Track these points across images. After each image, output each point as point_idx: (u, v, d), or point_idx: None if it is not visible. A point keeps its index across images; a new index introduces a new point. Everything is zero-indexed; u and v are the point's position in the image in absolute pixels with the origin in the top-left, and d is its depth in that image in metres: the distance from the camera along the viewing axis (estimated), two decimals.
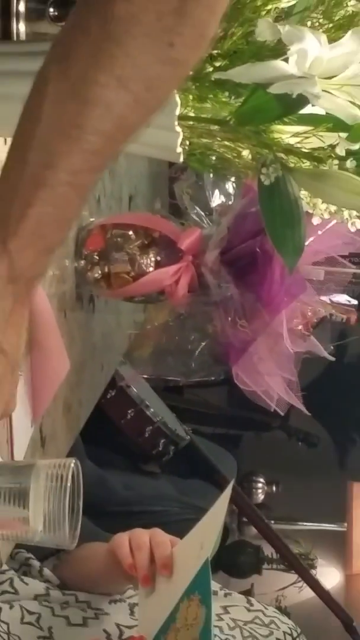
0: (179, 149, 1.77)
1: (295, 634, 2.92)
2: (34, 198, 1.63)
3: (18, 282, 1.69)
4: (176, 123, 1.75)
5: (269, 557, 5.01)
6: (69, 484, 1.94)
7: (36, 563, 2.82)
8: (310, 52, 1.72)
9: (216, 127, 1.80)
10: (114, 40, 1.59)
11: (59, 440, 2.61)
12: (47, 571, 2.82)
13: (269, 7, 1.78)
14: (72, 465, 1.96)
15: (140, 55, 1.60)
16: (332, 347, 3.28)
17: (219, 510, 2.54)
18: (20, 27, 1.90)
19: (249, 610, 2.95)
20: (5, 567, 2.70)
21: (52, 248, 1.77)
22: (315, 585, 4.67)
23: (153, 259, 2.74)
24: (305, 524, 6.32)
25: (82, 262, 2.69)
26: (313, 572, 5.04)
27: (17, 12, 1.89)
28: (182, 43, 1.61)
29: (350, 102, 1.75)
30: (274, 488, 6.05)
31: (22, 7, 1.89)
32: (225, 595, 2.96)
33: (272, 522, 5.12)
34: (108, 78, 1.57)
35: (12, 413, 2.12)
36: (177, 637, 2.39)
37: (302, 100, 1.75)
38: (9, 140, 2.25)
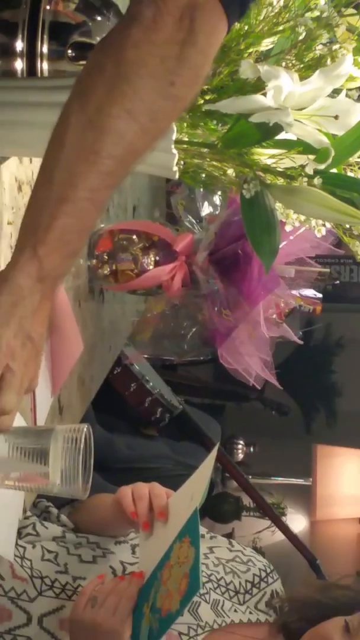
0: (175, 168, 1.78)
1: (268, 570, 2.90)
2: (59, 212, 1.66)
3: (45, 281, 1.70)
4: (173, 146, 1.75)
5: (247, 506, 5.03)
6: (82, 445, 1.93)
7: (54, 510, 2.82)
8: (284, 88, 1.71)
9: (206, 149, 1.80)
10: (125, 79, 1.64)
11: (74, 409, 2.61)
12: (63, 517, 2.83)
13: (250, 50, 1.78)
14: (85, 429, 1.96)
15: (147, 92, 1.64)
16: (300, 333, 3.28)
17: (206, 467, 2.53)
18: (44, 66, 1.91)
19: (230, 550, 2.93)
20: (29, 513, 2.72)
21: (74, 253, 1.79)
22: (285, 529, 4.69)
23: (153, 258, 2.75)
24: (277, 478, 6.35)
25: (94, 260, 2.69)
26: (283, 518, 5.06)
27: (41, 53, 1.89)
28: (182, 82, 1.65)
29: (318, 129, 1.73)
30: (252, 449, 6.08)
31: (45, 49, 1.89)
32: (211, 538, 2.95)
33: (250, 477, 5.16)
34: (120, 111, 1.62)
35: (35, 388, 2.11)
36: (171, 573, 2.36)
37: (278, 128, 1.74)
38: (35, 159, 2.26)
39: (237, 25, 1.80)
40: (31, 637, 2.60)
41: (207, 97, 1.78)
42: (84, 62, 1.96)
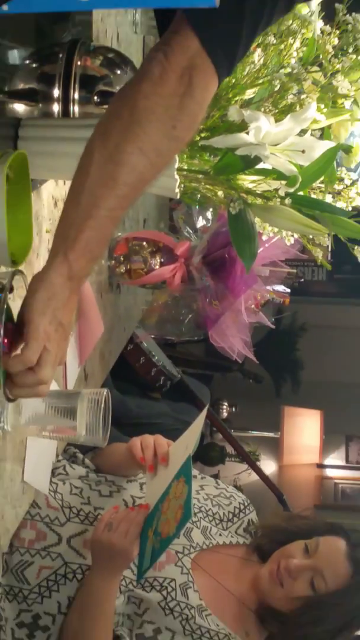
0: (177, 190, 1.76)
1: (246, 504, 2.93)
2: (84, 226, 1.69)
3: (73, 280, 1.73)
4: (175, 173, 1.74)
5: (229, 453, 5.02)
6: (102, 405, 1.97)
7: (80, 455, 2.84)
8: (263, 128, 1.71)
9: (201, 176, 1.79)
10: (137, 123, 1.67)
11: (96, 377, 2.61)
12: (87, 461, 2.84)
13: (236, 98, 1.77)
14: (105, 393, 2.00)
15: (154, 134, 1.68)
16: (272, 319, 3.28)
17: (198, 423, 2.55)
18: (75, 109, 1.90)
19: (216, 488, 2.95)
20: (60, 457, 2.73)
21: (97, 257, 1.80)
22: (259, 471, 4.69)
23: (158, 260, 2.74)
24: (253, 432, 6.35)
25: (113, 261, 2.69)
26: (258, 463, 5.06)
27: (73, 98, 1.89)
28: (182, 126, 1.68)
29: (289, 161, 1.74)
30: (233, 409, 6.06)
31: (76, 95, 1.89)
32: (202, 478, 2.97)
33: (232, 430, 5.15)
34: (133, 148, 1.66)
35: (64, 362, 2.13)
36: (169, 505, 2.39)
37: (257, 160, 1.74)
38: (67, 182, 2.27)
39: (227, 79, 1.81)
40: (61, 553, 2.62)
41: (202, 135, 1.77)
42: (106, 106, 1.98)
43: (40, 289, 1.71)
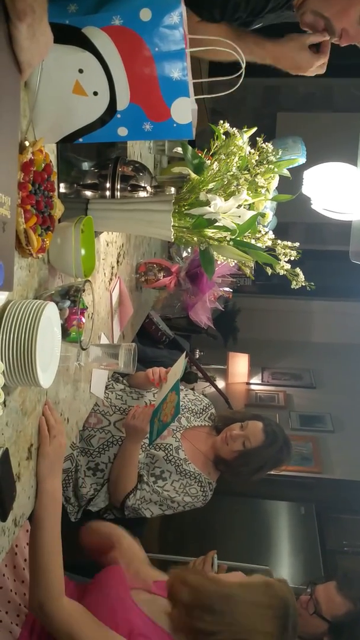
0: (172, 237, 1.74)
1: (209, 404, 2.92)
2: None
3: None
4: (171, 228, 1.72)
5: (200, 376, 4.97)
6: (132, 351, 1.94)
7: (121, 378, 2.83)
8: (217, 204, 1.69)
9: (185, 229, 1.75)
10: None
11: (128, 336, 2.59)
12: (124, 381, 2.83)
13: (204, 188, 1.74)
14: (134, 345, 1.97)
15: None
16: (222, 306, 3.28)
17: (182, 361, 2.53)
18: (118, 194, 1.87)
19: (193, 395, 2.94)
20: (110, 379, 2.70)
21: None
22: (215, 387, 4.66)
23: (162, 274, 2.73)
24: (212, 365, 6.30)
25: (137, 275, 2.67)
26: (215, 382, 5.01)
27: (117, 188, 1.87)
28: None
29: (232, 222, 1.72)
30: (202, 353, 6.00)
31: (118, 186, 1.88)
32: (185, 390, 2.96)
33: (201, 364, 5.12)
34: None
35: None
36: (167, 406, 2.39)
37: (214, 221, 1.71)
38: (114, 233, 2.26)
39: (199, 178, 1.78)
40: (110, 430, 2.61)
41: (186, 207, 1.72)
42: (135, 193, 1.96)
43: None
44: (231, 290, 3.12)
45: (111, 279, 2.27)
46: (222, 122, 1.83)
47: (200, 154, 1.83)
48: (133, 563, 2.07)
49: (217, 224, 1.72)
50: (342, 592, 2.37)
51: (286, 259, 1.75)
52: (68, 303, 1.51)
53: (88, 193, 1.84)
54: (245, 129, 1.83)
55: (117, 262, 2.36)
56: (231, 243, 1.74)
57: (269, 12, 1.74)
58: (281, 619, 1.76)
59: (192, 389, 3.61)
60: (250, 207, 1.81)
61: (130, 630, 1.72)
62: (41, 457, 1.65)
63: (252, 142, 1.83)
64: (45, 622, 1.68)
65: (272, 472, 2.73)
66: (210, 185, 1.75)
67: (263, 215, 1.87)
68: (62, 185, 1.69)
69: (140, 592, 1.93)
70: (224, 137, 1.81)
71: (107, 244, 2.21)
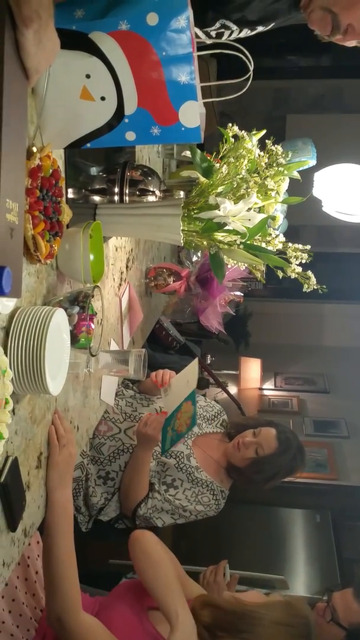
0: (182, 241, 1.75)
1: (222, 410, 2.92)
2: None
3: None
4: (180, 232, 1.72)
5: (211, 382, 4.94)
6: (142, 357, 1.95)
7: (131, 384, 2.82)
8: (227, 208, 1.70)
9: (194, 233, 1.76)
10: None
11: (138, 342, 2.60)
12: (135, 388, 2.82)
13: (213, 192, 1.75)
14: (144, 351, 1.98)
15: None
16: (234, 310, 3.28)
17: (193, 367, 2.51)
18: (126, 199, 1.88)
19: (205, 401, 2.94)
20: (120, 386, 2.70)
21: None
22: (227, 392, 4.65)
23: (172, 279, 2.73)
24: (224, 371, 6.27)
25: (147, 280, 2.68)
26: (227, 388, 4.99)
27: (125, 192, 1.87)
28: None
29: (242, 225, 1.72)
30: (213, 358, 5.96)
31: (127, 191, 1.89)
32: (198, 396, 2.96)
33: (212, 370, 5.09)
34: None
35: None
36: (182, 415, 2.38)
37: (224, 224, 1.72)
38: (123, 238, 2.27)
39: (208, 181, 1.79)
40: (121, 438, 2.61)
41: (195, 211, 1.73)
42: (144, 197, 1.97)
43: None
44: (242, 294, 3.11)
45: (120, 284, 2.28)
46: (230, 125, 1.83)
47: (209, 157, 1.84)
48: None
49: (227, 227, 1.73)
50: (359, 599, 2.35)
51: (297, 262, 1.76)
52: (77, 309, 1.52)
53: (96, 198, 1.85)
54: (254, 132, 1.84)
55: (127, 267, 2.36)
56: (241, 246, 1.74)
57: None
58: (303, 638, 1.79)
59: (204, 395, 3.61)
60: (261, 210, 1.82)
61: None
62: (51, 467, 1.65)
63: (262, 144, 1.83)
64: (63, 636, 1.68)
65: (286, 480, 2.73)
66: (220, 189, 1.76)
67: (273, 218, 1.88)
68: (70, 190, 1.70)
69: (157, 611, 1.94)
70: (232, 140, 1.82)
71: (116, 249, 2.21)
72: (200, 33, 1.81)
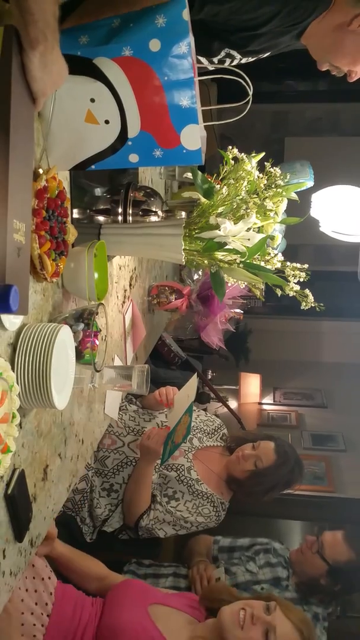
0: (183, 260, 1.75)
1: (222, 424, 2.92)
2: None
3: None
4: (182, 251, 1.72)
5: (212, 397, 4.92)
6: (145, 373, 1.94)
7: (134, 399, 2.82)
8: (227, 228, 1.70)
9: (196, 252, 1.76)
10: None
11: (141, 358, 2.58)
12: (138, 402, 2.82)
13: (214, 212, 1.74)
14: (146, 366, 1.97)
15: None
16: (234, 327, 3.27)
17: (193, 382, 2.52)
18: (129, 219, 1.87)
19: (205, 415, 2.95)
20: (123, 401, 2.69)
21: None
22: (227, 407, 4.62)
23: (174, 296, 2.72)
24: (224, 386, 6.24)
25: (150, 297, 2.67)
26: (228, 402, 4.97)
27: (128, 213, 1.87)
28: None
29: (241, 244, 1.72)
30: (214, 374, 5.90)
31: (130, 211, 1.88)
32: (198, 410, 2.96)
33: (213, 385, 5.07)
34: None
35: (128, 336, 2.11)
36: (180, 427, 2.38)
37: (224, 244, 1.71)
38: (127, 257, 2.27)
39: (208, 202, 1.79)
40: (124, 451, 2.61)
41: (196, 230, 1.73)
42: (147, 217, 1.97)
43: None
44: (242, 311, 3.12)
45: (124, 302, 2.28)
46: (230, 147, 1.84)
47: (209, 179, 1.84)
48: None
49: (227, 247, 1.73)
50: (348, 541, 2.53)
51: (295, 281, 1.75)
52: (82, 326, 1.52)
53: (101, 218, 1.85)
54: (253, 154, 1.84)
55: (130, 285, 2.37)
56: (241, 265, 1.74)
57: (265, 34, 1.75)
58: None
59: (205, 410, 3.60)
60: (260, 230, 1.81)
61: None
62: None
63: (261, 166, 1.84)
64: None
65: (285, 492, 2.72)
66: (220, 209, 1.76)
67: (272, 237, 1.88)
68: (75, 210, 1.70)
69: (157, 606, 1.94)
70: (232, 162, 1.82)
71: (120, 268, 2.22)
72: (204, 60, 1.82)
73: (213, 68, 1.83)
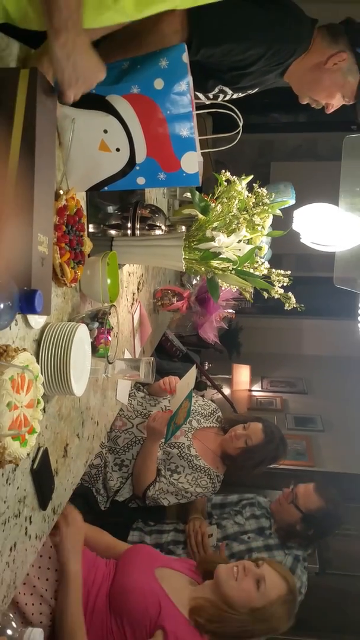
0: (183, 267, 1.74)
1: (217, 408, 2.90)
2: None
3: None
4: (182, 260, 1.72)
5: (208, 385, 4.89)
6: (151, 364, 1.93)
7: (142, 387, 2.80)
8: (221, 240, 1.69)
9: (194, 261, 1.76)
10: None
11: (147, 352, 2.56)
12: (145, 390, 2.80)
13: (209, 226, 1.74)
14: (152, 358, 1.95)
15: None
16: (227, 325, 3.26)
17: (193, 372, 2.50)
18: (137, 232, 1.86)
19: (203, 401, 2.93)
20: (132, 388, 2.68)
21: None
22: (222, 393, 4.59)
23: (175, 299, 2.70)
24: (219, 375, 6.19)
25: (155, 300, 2.66)
26: (222, 389, 4.94)
27: (136, 227, 1.85)
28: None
29: (233, 254, 1.72)
30: (210, 365, 5.89)
31: (137, 226, 1.86)
32: (196, 396, 2.95)
33: (210, 374, 5.03)
34: None
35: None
36: (180, 411, 2.37)
37: (219, 254, 1.71)
38: (135, 265, 2.27)
39: (205, 218, 1.79)
40: (133, 431, 2.61)
41: (194, 242, 1.73)
42: (152, 231, 1.96)
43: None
44: (234, 311, 3.11)
45: (133, 304, 2.28)
46: (224, 171, 1.84)
47: (206, 198, 1.84)
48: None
49: (221, 256, 1.73)
50: (318, 492, 2.57)
51: (280, 285, 1.74)
52: (96, 324, 1.52)
53: (112, 232, 1.85)
54: (243, 177, 1.84)
55: (138, 289, 2.36)
56: (233, 272, 1.74)
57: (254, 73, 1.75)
58: (292, 607, 1.89)
59: (202, 396, 3.59)
60: (249, 241, 1.81)
61: (158, 613, 1.75)
62: (62, 542, 1.75)
63: (250, 187, 1.83)
64: None
65: (271, 466, 2.72)
66: (215, 224, 1.76)
67: (260, 248, 1.87)
68: (90, 225, 1.70)
69: (162, 569, 1.94)
70: (225, 183, 1.82)
71: (129, 274, 2.21)
72: (200, 95, 1.81)
73: (209, 102, 1.83)
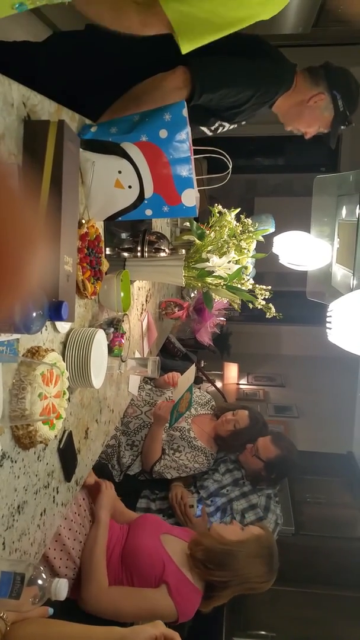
0: (183, 283, 1.74)
1: (211, 398, 2.89)
2: None
3: None
4: (182, 277, 1.72)
5: (204, 379, 4.88)
6: (157, 363, 1.92)
7: (149, 381, 2.78)
8: (214, 261, 1.69)
9: (192, 278, 1.75)
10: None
11: (153, 352, 2.55)
12: (152, 383, 2.77)
13: (204, 249, 1.74)
14: (157, 358, 1.94)
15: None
16: (219, 330, 3.25)
17: (192, 369, 2.50)
18: (145, 254, 1.85)
19: (199, 392, 2.91)
20: (142, 383, 2.67)
21: None
22: (215, 386, 4.58)
23: (177, 309, 2.69)
24: (212, 371, 6.17)
25: (160, 309, 2.65)
26: (215, 383, 4.93)
27: (145, 250, 1.85)
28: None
29: (225, 272, 1.72)
30: (205, 363, 5.86)
31: (146, 249, 1.85)
32: (194, 389, 2.93)
33: (205, 371, 5.02)
34: None
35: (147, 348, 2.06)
36: (183, 401, 2.36)
37: (212, 272, 1.71)
38: (144, 282, 2.26)
39: (201, 243, 1.78)
40: (142, 418, 2.59)
41: (192, 262, 1.73)
42: (158, 253, 1.95)
43: None
44: (225, 319, 3.10)
45: (142, 313, 2.28)
46: (216, 204, 1.84)
47: (202, 227, 1.84)
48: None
49: (214, 274, 1.72)
50: (274, 443, 2.55)
51: (262, 297, 1.75)
52: (112, 330, 1.53)
53: (125, 254, 1.85)
54: (232, 209, 1.84)
55: (146, 300, 2.36)
56: (224, 287, 1.74)
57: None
58: (268, 562, 1.87)
59: (199, 388, 3.57)
60: (237, 262, 1.81)
61: (162, 570, 1.76)
62: (101, 497, 1.86)
63: (237, 218, 1.83)
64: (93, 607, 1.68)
65: None
66: (209, 248, 1.76)
67: (246, 267, 1.86)
68: (107, 248, 1.70)
69: (167, 535, 1.93)
70: (218, 215, 1.82)
71: (139, 289, 2.21)
72: (204, 129, 1.83)
73: (211, 134, 1.85)
